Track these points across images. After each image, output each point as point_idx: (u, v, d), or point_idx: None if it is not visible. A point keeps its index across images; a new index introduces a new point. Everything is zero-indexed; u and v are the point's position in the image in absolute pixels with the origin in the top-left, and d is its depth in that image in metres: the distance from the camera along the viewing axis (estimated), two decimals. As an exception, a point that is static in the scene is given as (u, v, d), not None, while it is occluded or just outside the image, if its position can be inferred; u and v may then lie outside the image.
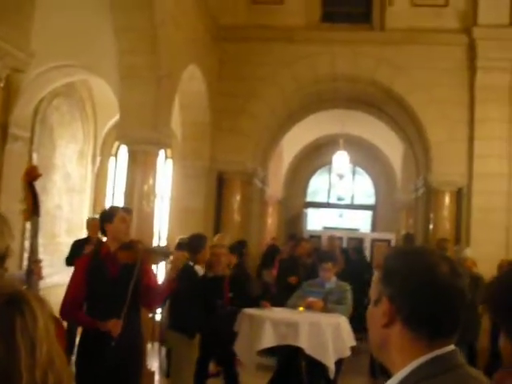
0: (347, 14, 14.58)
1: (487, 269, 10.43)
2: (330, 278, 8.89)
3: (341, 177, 21.89)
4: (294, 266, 11.76)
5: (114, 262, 5.70)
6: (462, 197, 13.62)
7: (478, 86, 13.39)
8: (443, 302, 1.81)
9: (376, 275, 1.97)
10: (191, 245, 7.78)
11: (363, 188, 24.87)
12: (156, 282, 6.03)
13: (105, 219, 5.92)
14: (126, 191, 10.00)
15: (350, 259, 14.76)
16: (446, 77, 13.63)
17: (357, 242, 19.71)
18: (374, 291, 1.94)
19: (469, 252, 11.14)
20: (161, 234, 14.81)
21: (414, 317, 1.82)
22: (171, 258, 6.35)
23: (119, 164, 15.28)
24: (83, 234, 11.86)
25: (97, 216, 12.11)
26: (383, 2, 14.04)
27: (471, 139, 13.44)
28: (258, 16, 14.01)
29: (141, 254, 5.68)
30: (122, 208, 6.57)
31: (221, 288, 8.31)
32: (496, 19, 13.39)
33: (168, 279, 6.05)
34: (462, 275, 1.86)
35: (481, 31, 13.33)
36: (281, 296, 10.06)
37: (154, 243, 11.65)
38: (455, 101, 13.59)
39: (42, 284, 4.94)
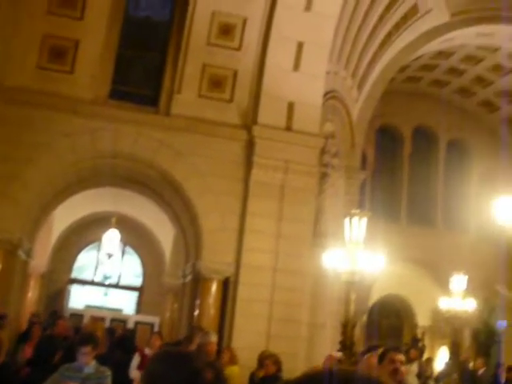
0: (136, 94, 14.70)
1: (248, 357, 10.67)
2: (88, 363, 8.41)
3: (110, 255, 21.51)
4: (52, 346, 11.15)
5: None
6: (228, 286, 13.91)
7: (253, 181, 14.01)
8: None
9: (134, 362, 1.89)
10: None
11: (131, 268, 24.59)
12: None
13: None
14: None
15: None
16: (224, 168, 14.10)
17: (116, 323, 19.22)
18: None
19: (213, 337, 11.22)
20: None
21: None
22: None
23: None
24: None
25: None
26: (172, 89, 14.36)
27: (241, 231, 13.89)
28: (46, 82, 13.61)
29: None
30: None
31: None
32: (274, 122, 14.26)
33: None
34: (226, 381, 1.88)
35: (260, 130, 14.10)
36: (37, 377, 9.40)
37: None
38: (230, 192, 14.05)
39: None
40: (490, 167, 24.99)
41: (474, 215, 23.84)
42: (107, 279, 24.48)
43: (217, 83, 14.46)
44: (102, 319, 17.49)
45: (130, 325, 19.98)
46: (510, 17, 18.89)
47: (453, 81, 24.00)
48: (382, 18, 17.10)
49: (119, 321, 20.04)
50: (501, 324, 25.71)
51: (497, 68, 22.43)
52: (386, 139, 24.80)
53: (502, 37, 20.34)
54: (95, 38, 14.10)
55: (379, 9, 16.81)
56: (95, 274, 24.49)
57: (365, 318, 22.67)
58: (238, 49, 14.57)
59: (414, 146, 25.16)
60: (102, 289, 24.73)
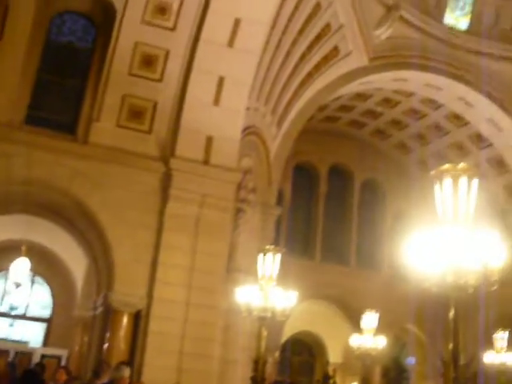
0: (53, 121, 14.40)
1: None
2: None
3: (17, 285, 20.77)
4: None
5: None
6: (140, 319, 13.66)
7: (168, 213, 13.89)
8: None
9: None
10: None
11: (40, 299, 23.80)
12: None
13: None
14: None
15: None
16: (140, 200, 13.93)
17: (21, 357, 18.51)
18: None
19: (126, 372, 11.00)
20: None
21: None
22: None
23: None
24: None
25: None
26: (90, 117, 14.15)
27: (155, 264, 13.71)
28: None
29: None
30: None
31: None
32: (192, 155, 14.24)
33: None
34: None
35: (177, 163, 14.05)
36: None
37: None
38: (145, 224, 13.87)
39: None
40: (402, 207, 25.67)
41: (387, 254, 24.32)
42: (13, 310, 23.60)
43: (136, 114, 14.35)
44: (6, 352, 16.81)
45: (36, 358, 19.26)
46: (421, 64, 19.69)
47: (370, 122, 24.65)
48: (303, 57, 17.46)
49: (24, 354, 19.32)
50: (410, 361, 26.25)
51: (411, 112, 23.18)
52: (302, 177, 25.16)
53: (415, 83, 21.11)
54: (13, 60, 13.77)
55: (301, 48, 17.17)
56: (1, 304, 23.58)
57: (277, 354, 22.67)
58: (160, 80, 14.54)
59: (329, 184, 25.58)
60: (8, 320, 23.82)
